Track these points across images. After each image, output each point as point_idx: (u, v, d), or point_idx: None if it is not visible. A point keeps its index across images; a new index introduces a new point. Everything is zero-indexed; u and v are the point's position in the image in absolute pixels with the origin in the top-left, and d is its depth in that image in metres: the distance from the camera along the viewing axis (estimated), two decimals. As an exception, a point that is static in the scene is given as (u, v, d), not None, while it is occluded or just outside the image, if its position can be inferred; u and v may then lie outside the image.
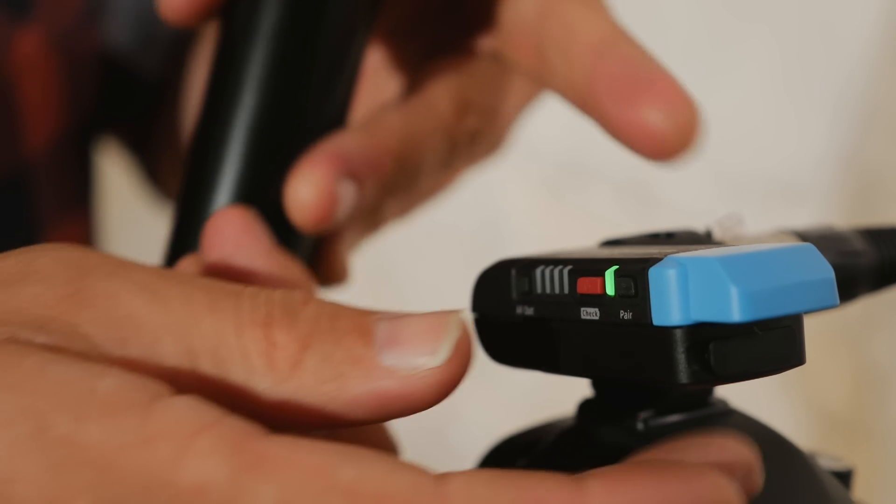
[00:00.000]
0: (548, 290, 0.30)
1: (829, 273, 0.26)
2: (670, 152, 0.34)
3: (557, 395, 0.88)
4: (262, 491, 0.24)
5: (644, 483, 0.24)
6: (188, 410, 0.25)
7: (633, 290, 0.27)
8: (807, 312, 0.26)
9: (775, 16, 0.79)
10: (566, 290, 0.29)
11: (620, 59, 0.35)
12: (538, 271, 0.30)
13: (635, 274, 0.27)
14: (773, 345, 0.27)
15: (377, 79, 0.43)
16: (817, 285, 0.26)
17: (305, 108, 0.37)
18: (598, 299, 0.28)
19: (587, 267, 0.29)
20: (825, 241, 0.34)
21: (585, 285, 0.28)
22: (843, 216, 0.77)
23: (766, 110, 0.70)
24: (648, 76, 0.34)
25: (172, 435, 0.24)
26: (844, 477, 0.32)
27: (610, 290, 0.28)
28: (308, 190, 0.35)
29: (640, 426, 0.31)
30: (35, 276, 0.27)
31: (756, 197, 0.77)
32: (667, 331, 0.26)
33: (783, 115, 0.78)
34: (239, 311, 0.27)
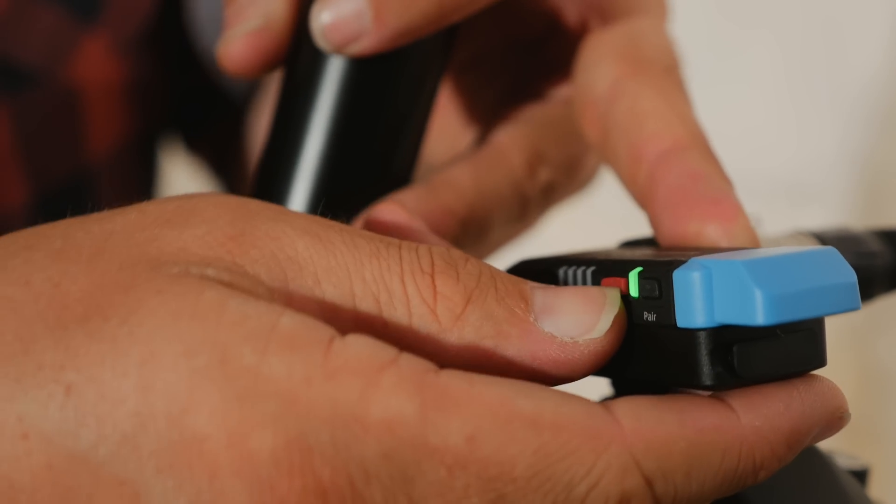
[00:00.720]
0: (571, 291, 0.30)
1: (852, 277, 0.26)
2: None
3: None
4: (450, 425, 0.25)
5: (776, 395, 0.27)
6: (367, 348, 0.25)
7: (657, 292, 0.27)
8: (829, 315, 0.27)
9: (781, 19, 0.79)
10: None
11: (686, 173, 0.33)
12: (562, 271, 0.30)
13: (660, 276, 0.27)
14: (795, 347, 0.27)
15: (449, 122, 0.42)
16: (840, 289, 0.26)
17: (369, 163, 0.36)
18: (622, 300, 0.28)
19: (611, 268, 0.29)
20: (842, 242, 0.34)
21: (609, 286, 0.29)
22: (849, 217, 0.77)
23: (773, 112, 0.71)
24: (713, 196, 0.32)
25: (357, 371, 0.25)
26: (861, 476, 0.32)
27: (634, 291, 0.28)
28: None
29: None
30: (198, 217, 0.28)
31: (762, 198, 0.77)
32: (691, 333, 0.27)
33: (788, 117, 0.78)
34: (403, 260, 0.28)
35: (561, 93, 0.40)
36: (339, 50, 0.34)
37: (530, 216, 0.40)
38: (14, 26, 0.49)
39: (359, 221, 0.35)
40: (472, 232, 0.37)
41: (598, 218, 0.83)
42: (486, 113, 0.41)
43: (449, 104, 0.42)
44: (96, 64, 0.52)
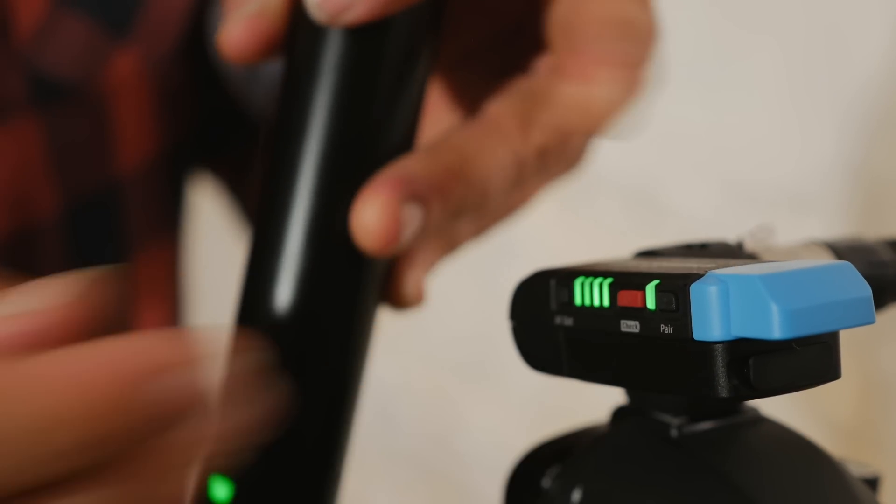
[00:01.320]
0: (587, 302, 0.30)
1: (867, 292, 0.27)
2: None
3: (563, 403, 0.88)
4: None
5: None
6: None
7: (674, 305, 0.28)
8: (844, 329, 0.27)
9: (782, 27, 0.79)
10: (606, 303, 0.30)
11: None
12: (578, 283, 0.31)
13: (677, 289, 0.28)
14: (810, 360, 0.28)
15: (442, 105, 0.43)
16: (855, 304, 0.27)
17: (371, 137, 0.37)
18: (639, 312, 0.29)
19: (628, 280, 0.29)
20: (854, 252, 0.34)
21: (626, 298, 0.29)
22: (850, 226, 0.77)
23: (773, 120, 0.71)
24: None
25: None
26: (872, 483, 0.33)
27: (651, 304, 0.28)
28: (373, 214, 0.35)
29: (673, 433, 0.31)
30: None
31: (763, 206, 0.78)
32: (707, 345, 0.27)
33: (790, 124, 0.79)
34: None
35: (546, 63, 0.40)
36: (333, 19, 0.34)
37: (528, 183, 0.40)
38: (47, 40, 0.49)
39: (377, 184, 0.35)
40: (473, 192, 0.37)
41: (599, 226, 0.84)
42: (479, 93, 0.41)
43: (442, 101, 0.43)
44: (127, 77, 0.52)
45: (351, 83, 0.36)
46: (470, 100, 0.43)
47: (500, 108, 0.39)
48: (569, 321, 0.31)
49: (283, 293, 0.36)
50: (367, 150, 0.37)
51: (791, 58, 0.80)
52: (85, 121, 0.51)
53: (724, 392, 0.27)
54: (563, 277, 0.31)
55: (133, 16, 0.52)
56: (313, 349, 0.37)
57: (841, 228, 0.76)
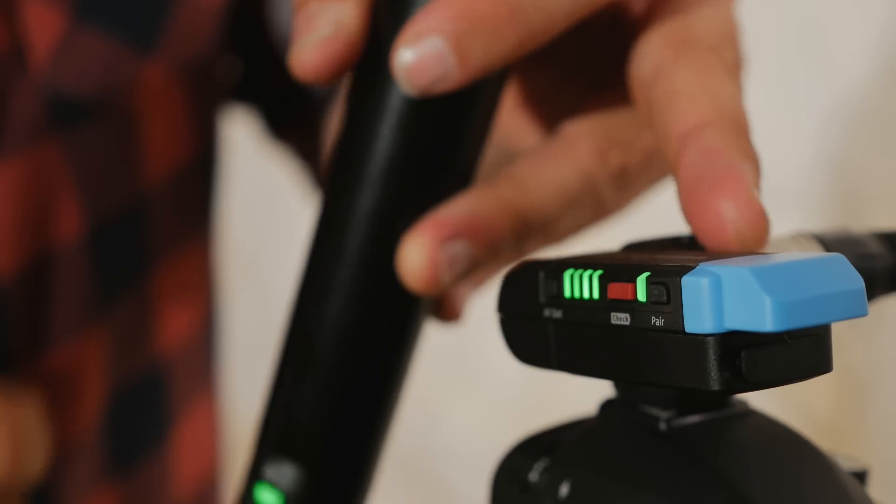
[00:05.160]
0: (577, 294, 0.30)
1: (860, 284, 0.27)
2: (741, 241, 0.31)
3: (544, 397, 0.88)
4: None
5: None
6: None
7: (665, 298, 0.28)
8: (837, 322, 0.27)
9: (761, 21, 0.80)
10: (596, 295, 0.30)
11: (702, 150, 0.32)
12: (567, 275, 0.30)
13: (668, 282, 0.27)
14: (802, 352, 0.27)
15: (529, 120, 0.42)
16: (848, 296, 0.27)
17: (429, 178, 0.37)
18: (629, 305, 0.29)
19: (618, 272, 0.29)
20: (843, 244, 0.34)
21: (616, 290, 0.29)
22: (829, 221, 0.77)
23: (753, 114, 0.71)
24: (720, 172, 0.31)
25: None
26: (861, 477, 0.33)
27: (641, 296, 0.28)
28: (414, 257, 0.36)
29: (662, 426, 0.31)
30: None
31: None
32: (699, 338, 0.27)
33: (770, 119, 0.79)
34: None
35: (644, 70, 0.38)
36: (423, 92, 0.34)
37: (605, 204, 0.39)
38: (66, 61, 0.49)
39: (421, 226, 0.36)
40: (536, 224, 0.37)
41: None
42: (567, 111, 0.40)
43: (527, 102, 0.42)
44: (155, 92, 0.51)
45: (416, 121, 0.36)
46: (557, 106, 0.41)
47: (577, 127, 0.38)
48: (558, 314, 0.31)
49: (336, 313, 0.38)
50: (423, 190, 0.37)
51: (771, 53, 0.80)
52: (110, 138, 0.50)
53: (715, 385, 0.27)
54: (552, 269, 0.31)
55: (159, 28, 0.51)
56: (359, 366, 0.38)
57: (821, 222, 0.76)
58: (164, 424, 0.56)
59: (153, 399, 0.55)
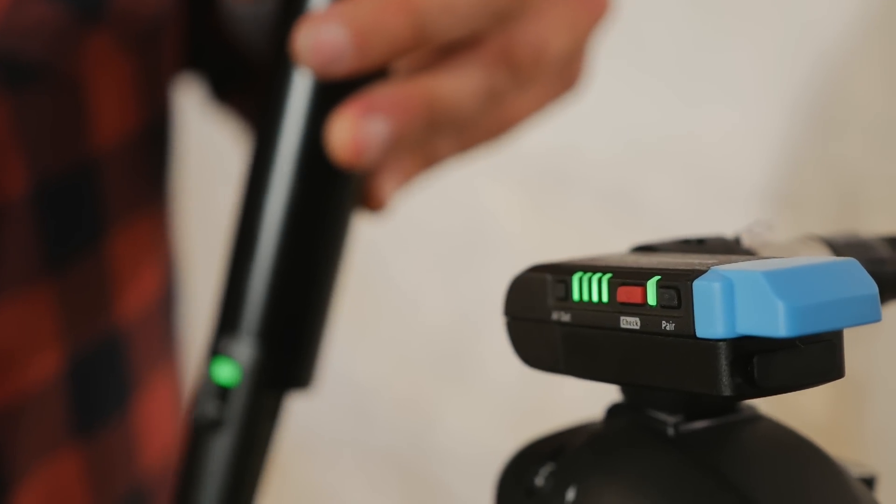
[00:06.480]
0: (585, 298, 0.30)
1: (873, 289, 0.26)
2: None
3: (541, 401, 0.88)
4: None
5: None
6: None
7: (676, 302, 0.27)
8: (850, 327, 0.27)
9: (755, 24, 0.79)
10: (605, 299, 0.29)
11: None
12: (576, 278, 0.30)
13: (679, 285, 0.27)
14: (814, 358, 0.27)
15: None
16: (861, 301, 0.26)
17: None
18: (639, 309, 0.28)
19: (628, 275, 0.29)
20: (852, 248, 0.34)
21: (626, 294, 0.29)
22: (824, 223, 0.77)
23: (748, 117, 0.71)
24: None
25: None
26: (869, 483, 0.32)
27: (652, 300, 0.28)
28: (341, 132, 0.41)
29: (670, 431, 0.31)
30: None
31: (738, 204, 0.77)
32: (711, 343, 0.27)
33: (765, 121, 0.78)
34: None
35: None
36: (322, 70, 0.40)
37: (506, 100, 0.44)
38: (15, 24, 0.50)
39: (345, 105, 0.41)
40: (444, 111, 0.42)
41: (575, 221, 0.83)
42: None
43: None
44: (102, 59, 0.52)
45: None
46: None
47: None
48: (566, 317, 0.31)
49: (277, 199, 0.42)
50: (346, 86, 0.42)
51: (765, 54, 0.80)
52: (58, 101, 0.52)
53: (727, 391, 0.27)
54: (560, 272, 0.31)
55: (104, 0, 0.52)
56: (300, 241, 0.43)
57: (815, 225, 0.76)
58: (125, 392, 0.56)
59: (112, 365, 0.56)
